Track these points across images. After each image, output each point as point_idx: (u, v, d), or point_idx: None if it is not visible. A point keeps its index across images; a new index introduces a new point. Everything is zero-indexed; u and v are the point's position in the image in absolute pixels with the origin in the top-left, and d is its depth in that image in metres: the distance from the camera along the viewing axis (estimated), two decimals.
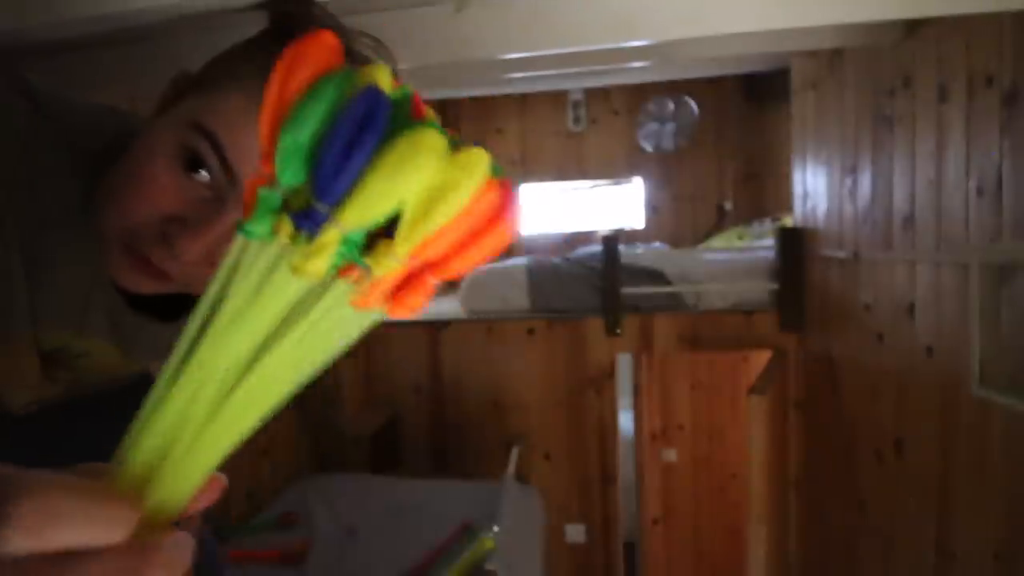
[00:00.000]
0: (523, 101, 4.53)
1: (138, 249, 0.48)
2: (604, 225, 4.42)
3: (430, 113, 0.26)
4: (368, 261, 0.25)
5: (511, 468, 2.47)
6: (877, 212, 1.91)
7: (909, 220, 1.73)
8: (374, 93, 0.24)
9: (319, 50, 0.26)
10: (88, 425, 0.68)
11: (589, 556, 2.96)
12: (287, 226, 0.25)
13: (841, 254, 2.17)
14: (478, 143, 0.25)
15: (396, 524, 1.98)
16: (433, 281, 0.27)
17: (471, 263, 0.27)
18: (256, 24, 0.52)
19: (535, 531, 2.28)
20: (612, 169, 4.56)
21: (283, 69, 0.26)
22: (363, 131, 0.24)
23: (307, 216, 0.24)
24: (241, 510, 2.08)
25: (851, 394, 2.17)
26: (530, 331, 2.89)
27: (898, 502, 1.83)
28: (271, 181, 0.25)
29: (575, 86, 4.22)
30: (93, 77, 0.93)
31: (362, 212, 0.24)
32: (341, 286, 0.26)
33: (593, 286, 2.81)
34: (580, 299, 2.84)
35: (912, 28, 1.66)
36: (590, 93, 4.47)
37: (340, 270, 0.26)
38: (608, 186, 4.61)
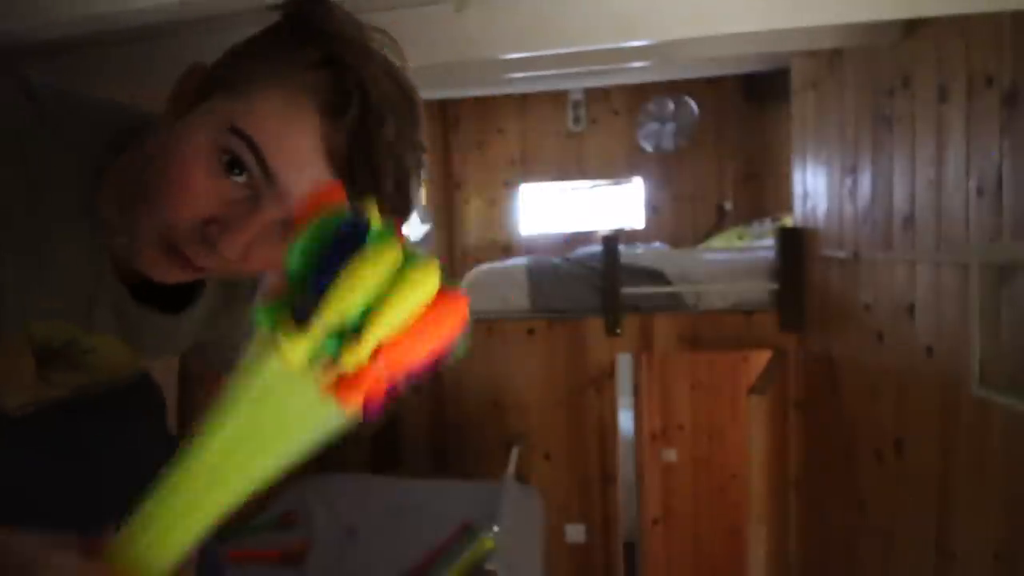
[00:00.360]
0: (523, 101, 4.52)
1: (175, 247, 0.48)
2: (604, 225, 4.41)
3: (404, 238, 0.35)
4: (341, 353, 0.32)
5: (511, 468, 2.47)
6: (877, 212, 1.91)
7: (909, 220, 1.73)
8: (358, 222, 0.33)
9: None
10: (86, 426, 0.67)
11: (589, 556, 2.96)
12: (286, 315, 0.32)
13: (841, 254, 2.17)
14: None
15: (396, 524, 1.98)
16: (385, 373, 0.34)
17: (419, 357, 0.34)
18: (257, 24, 0.52)
19: (535, 531, 2.27)
20: (612, 169, 4.56)
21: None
22: (344, 248, 0.33)
23: (300, 309, 0.32)
24: (241, 510, 2.08)
25: (851, 394, 2.17)
26: (530, 331, 2.89)
27: (898, 502, 1.83)
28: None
29: (575, 86, 4.21)
30: (93, 77, 0.93)
31: (336, 304, 0.31)
32: (312, 377, 0.33)
33: (593, 286, 2.81)
34: (580, 299, 2.83)
35: (911, 28, 1.66)
36: (590, 93, 4.46)
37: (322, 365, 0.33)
38: (608, 186, 4.61)
